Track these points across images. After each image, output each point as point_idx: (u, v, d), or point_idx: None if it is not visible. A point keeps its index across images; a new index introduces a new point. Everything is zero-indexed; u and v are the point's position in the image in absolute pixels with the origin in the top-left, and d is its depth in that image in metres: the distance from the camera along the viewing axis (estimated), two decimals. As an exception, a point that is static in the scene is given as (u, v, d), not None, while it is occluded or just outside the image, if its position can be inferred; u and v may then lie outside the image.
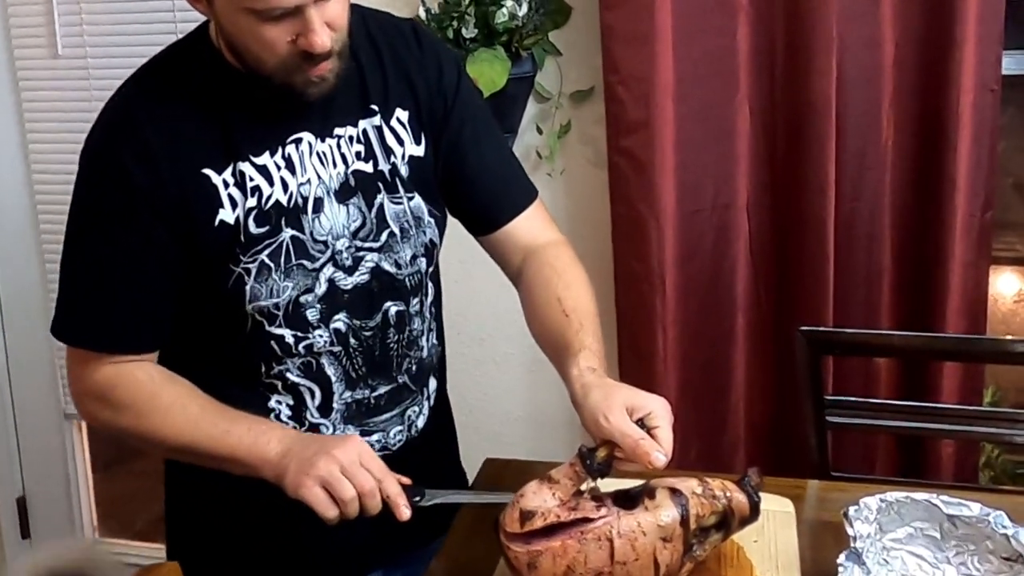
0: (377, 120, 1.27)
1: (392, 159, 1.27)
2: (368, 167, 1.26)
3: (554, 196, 2.07)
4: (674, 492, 1.08)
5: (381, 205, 1.26)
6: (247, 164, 1.20)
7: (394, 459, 1.28)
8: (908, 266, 1.89)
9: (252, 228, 1.20)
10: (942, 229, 1.83)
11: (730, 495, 1.11)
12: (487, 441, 2.17)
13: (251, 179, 1.20)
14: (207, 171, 1.19)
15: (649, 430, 1.08)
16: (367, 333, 1.27)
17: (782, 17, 1.84)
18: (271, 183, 1.21)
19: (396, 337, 1.29)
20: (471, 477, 1.44)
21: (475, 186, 1.34)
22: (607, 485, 1.11)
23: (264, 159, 1.21)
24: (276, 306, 1.21)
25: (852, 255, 1.88)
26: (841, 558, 1.07)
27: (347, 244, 1.24)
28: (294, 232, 1.21)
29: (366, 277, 1.25)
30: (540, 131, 2.02)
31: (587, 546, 1.04)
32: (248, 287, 1.20)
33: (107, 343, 1.22)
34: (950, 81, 1.78)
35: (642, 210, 1.88)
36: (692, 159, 1.89)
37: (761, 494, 1.14)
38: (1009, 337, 2.03)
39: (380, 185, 1.26)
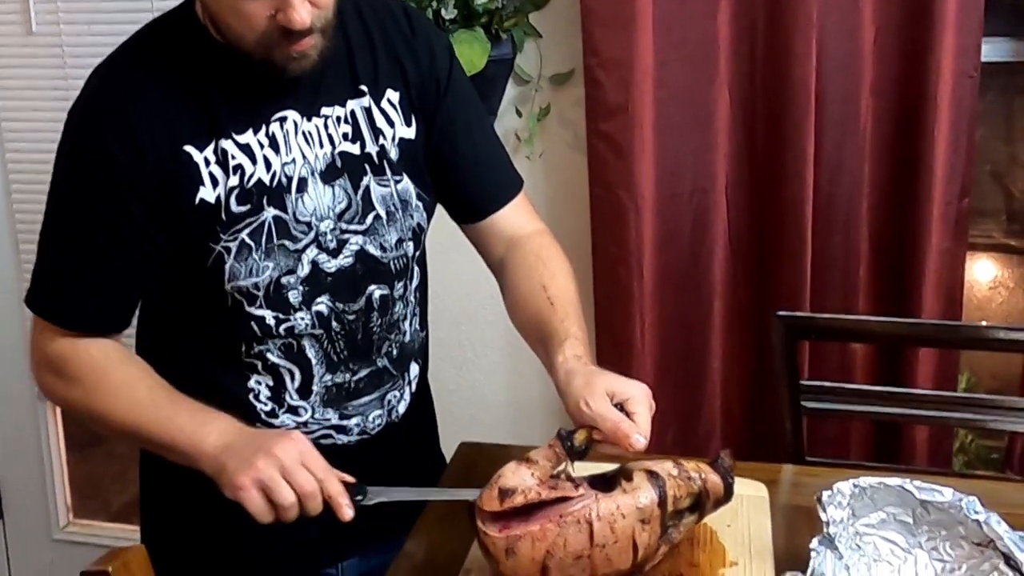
0: (366, 101, 1.26)
1: (381, 141, 1.26)
2: (355, 148, 1.24)
3: (533, 179, 2.06)
4: (651, 474, 1.09)
5: (367, 187, 1.25)
6: (229, 142, 1.18)
7: (373, 443, 1.30)
8: (885, 252, 1.90)
9: (233, 207, 1.19)
10: (919, 215, 1.84)
11: (705, 476, 1.12)
12: (463, 424, 2.16)
13: (233, 157, 1.18)
14: (188, 148, 1.18)
15: (629, 415, 1.10)
16: (350, 316, 1.26)
17: (763, 2, 1.83)
18: (254, 161, 1.19)
19: (379, 321, 1.28)
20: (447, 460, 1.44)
21: (465, 174, 1.34)
22: (582, 471, 1.11)
23: (247, 137, 1.19)
24: (256, 286, 1.20)
25: (830, 240, 1.89)
26: (814, 543, 1.08)
27: (331, 226, 1.22)
28: (277, 212, 1.20)
29: (350, 260, 1.24)
30: (519, 114, 2.01)
31: (566, 529, 1.03)
32: (228, 266, 1.19)
33: (70, 319, 1.22)
34: (929, 67, 1.78)
35: (620, 194, 1.88)
36: (671, 143, 1.89)
37: (735, 477, 1.15)
38: (985, 323, 2.05)
39: (367, 167, 1.25)
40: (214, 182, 1.18)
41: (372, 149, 1.25)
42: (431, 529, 1.26)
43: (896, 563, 1.12)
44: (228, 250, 1.19)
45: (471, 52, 1.88)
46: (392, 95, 1.27)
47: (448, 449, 1.47)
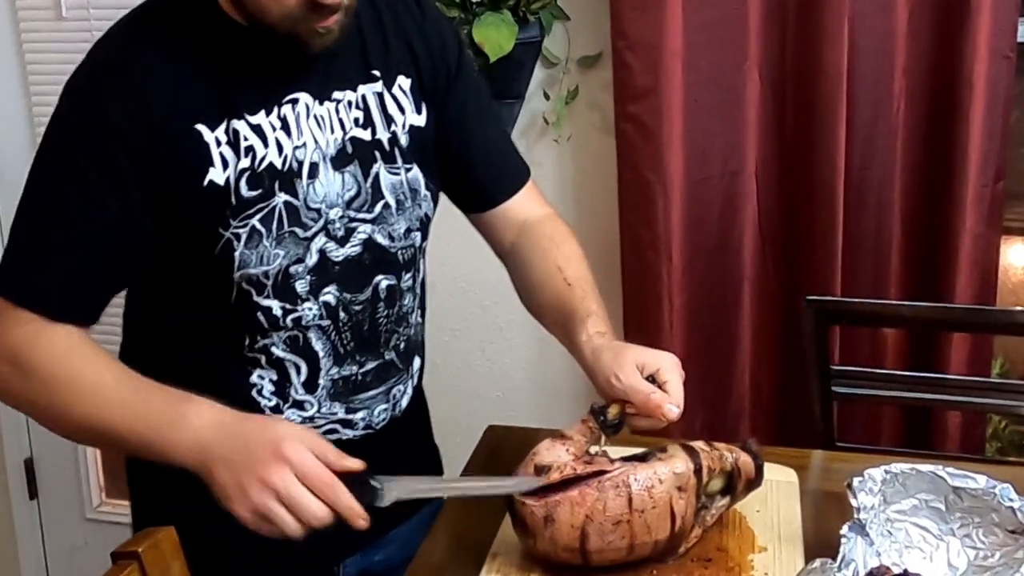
0: (379, 87, 1.22)
1: (392, 128, 1.23)
2: (366, 135, 1.21)
3: (561, 162, 2.05)
4: (685, 446, 1.12)
5: (377, 175, 1.21)
6: (242, 122, 1.14)
7: (376, 438, 1.28)
8: (918, 235, 1.88)
9: (244, 191, 1.14)
10: (953, 199, 1.81)
11: (736, 456, 1.14)
12: (491, 407, 2.18)
13: (245, 138, 1.14)
14: (200, 127, 1.12)
15: (660, 385, 1.11)
16: (356, 307, 1.22)
17: (794, -18, 1.81)
18: (265, 144, 1.15)
19: (386, 312, 1.25)
20: (474, 443, 1.44)
21: (476, 162, 1.33)
22: (615, 455, 1.12)
23: (259, 118, 1.15)
24: (265, 275, 1.16)
25: (861, 224, 1.86)
26: (844, 529, 1.07)
27: (340, 214, 1.19)
28: (288, 197, 1.16)
29: (358, 249, 1.20)
30: (547, 97, 2.00)
31: (605, 494, 1.05)
32: (237, 253, 1.14)
33: (38, 301, 1.11)
34: (964, 48, 1.75)
35: (649, 177, 1.87)
36: (700, 126, 1.87)
37: (764, 462, 1.15)
38: (1019, 308, 2.02)
39: (377, 154, 1.21)
40: (224, 163, 1.13)
41: (383, 136, 1.22)
42: (456, 513, 1.26)
43: (928, 550, 1.11)
44: (238, 236, 1.14)
45: (499, 35, 1.87)
46: (403, 81, 1.24)
47: (475, 432, 1.47)
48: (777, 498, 1.23)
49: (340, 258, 1.19)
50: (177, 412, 1.05)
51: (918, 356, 1.90)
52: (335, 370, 1.23)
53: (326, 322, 1.20)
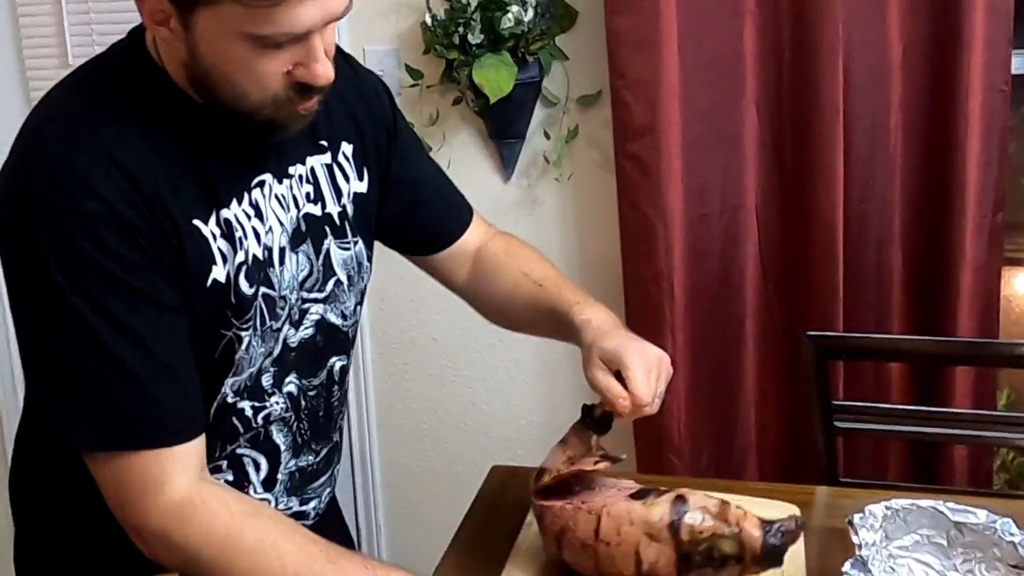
0: (327, 158, 1.14)
1: (342, 200, 1.15)
2: (317, 210, 1.12)
3: (562, 200, 2.07)
4: (679, 498, 1.09)
5: (328, 251, 1.13)
6: (227, 211, 1.03)
7: (323, 520, 1.24)
8: (919, 268, 1.88)
9: (243, 287, 1.03)
10: (953, 231, 1.82)
11: (742, 527, 1.07)
12: (497, 447, 2.18)
13: (237, 228, 1.03)
14: (196, 221, 1.00)
15: (624, 380, 1.11)
16: (311, 393, 1.15)
17: (788, 20, 1.83)
18: (245, 234, 1.04)
19: (338, 394, 1.20)
20: (478, 483, 1.43)
21: (424, 211, 1.29)
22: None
23: (238, 206, 1.04)
24: (249, 377, 1.07)
25: (862, 258, 1.87)
26: (847, 566, 1.06)
27: (296, 296, 1.10)
28: (266, 289, 1.06)
29: (311, 331, 1.12)
30: (547, 136, 2.02)
31: (578, 515, 1.09)
32: (237, 356, 1.04)
33: (167, 433, 0.98)
34: (959, 82, 1.77)
35: (650, 214, 1.88)
36: (699, 162, 1.88)
37: (787, 543, 1.08)
38: (1021, 341, 2.02)
39: (327, 229, 1.13)
40: (223, 259, 1.02)
41: (333, 209, 1.14)
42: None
43: (931, 586, 1.11)
44: (239, 339, 1.04)
45: (498, 76, 1.89)
46: (346, 147, 1.16)
47: (480, 472, 1.47)
48: (780, 535, 1.22)
49: (295, 343, 1.11)
50: (380, 570, 1.00)
51: (922, 389, 1.90)
52: (292, 462, 1.17)
53: (288, 414, 1.14)
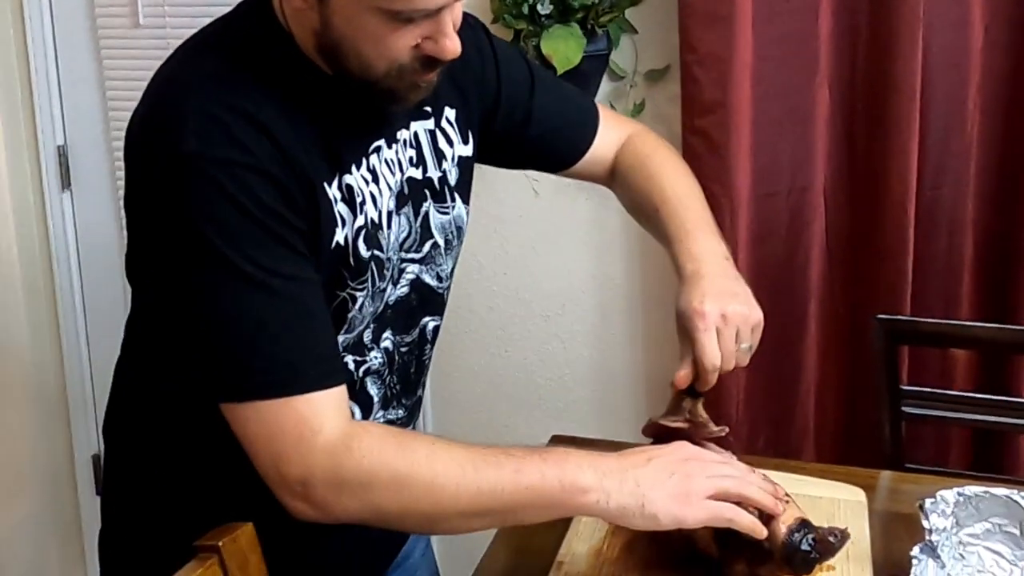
0: (430, 123, 1.16)
1: (443, 165, 1.17)
2: (418, 173, 1.14)
3: (626, 175, 2.05)
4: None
5: (427, 214, 1.15)
6: (349, 176, 1.05)
7: None
8: (991, 256, 1.84)
9: (361, 250, 1.05)
10: (1027, 219, 1.78)
11: (776, 520, 1.03)
12: (551, 418, 2.18)
13: (358, 193, 1.05)
14: (324, 182, 1.02)
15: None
16: (404, 349, 1.17)
17: (866, -2, 1.79)
18: (364, 199, 1.07)
19: (429, 352, 1.22)
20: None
21: (548, 139, 1.30)
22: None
23: (362, 170, 1.06)
24: (357, 334, 1.09)
25: (932, 244, 1.84)
26: (915, 551, 1.05)
27: (396, 256, 1.12)
28: (377, 252, 1.08)
29: (406, 290, 1.14)
30: (614, 109, 2.00)
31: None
32: (350, 315, 1.07)
33: (319, 377, 0.98)
34: (1041, 66, 1.72)
35: (716, 191, 1.85)
36: (768, 141, 1.86)
37: (821, 550, 1.04)
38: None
39: (427, 192, 1.15)
40: (342, 222, 1.04)
41: (434, 174, 1.16)
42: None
43: (1001, 575, 1.09)
44: (353, 298, 1.06)
45: (566, 47, 1.88)
46: (449, 112, 1.18)
47: (537, 441, 1.47)
48: (845, 517, 1.21)
49: (393, 300, 1.13)
50: (556, 456, 0.99)
51: (988, 378, 1.87)
52: (381, 414, 1.18)
53: (384, 368, 1.15)
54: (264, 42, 1.03)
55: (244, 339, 0.96)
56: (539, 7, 1.89)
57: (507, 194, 2.08)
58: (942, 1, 1.75)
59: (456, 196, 1.19)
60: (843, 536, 1.05)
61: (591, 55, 1.92)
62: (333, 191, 1.03)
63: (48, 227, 2.35)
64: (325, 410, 0.97)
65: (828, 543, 1.04)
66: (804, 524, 1.04)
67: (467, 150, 1.20)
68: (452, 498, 0.96)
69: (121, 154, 2.49)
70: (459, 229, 1.20)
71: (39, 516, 2.38)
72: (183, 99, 0.99)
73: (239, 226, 0.95)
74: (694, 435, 1.12)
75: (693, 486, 0.99)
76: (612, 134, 1.34)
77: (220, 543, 0.94)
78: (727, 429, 1.14)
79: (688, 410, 1.14)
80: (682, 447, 1.05)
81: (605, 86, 2.00)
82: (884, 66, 1.78)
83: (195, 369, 1.01)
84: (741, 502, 1.01)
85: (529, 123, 1.28)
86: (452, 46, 0.99)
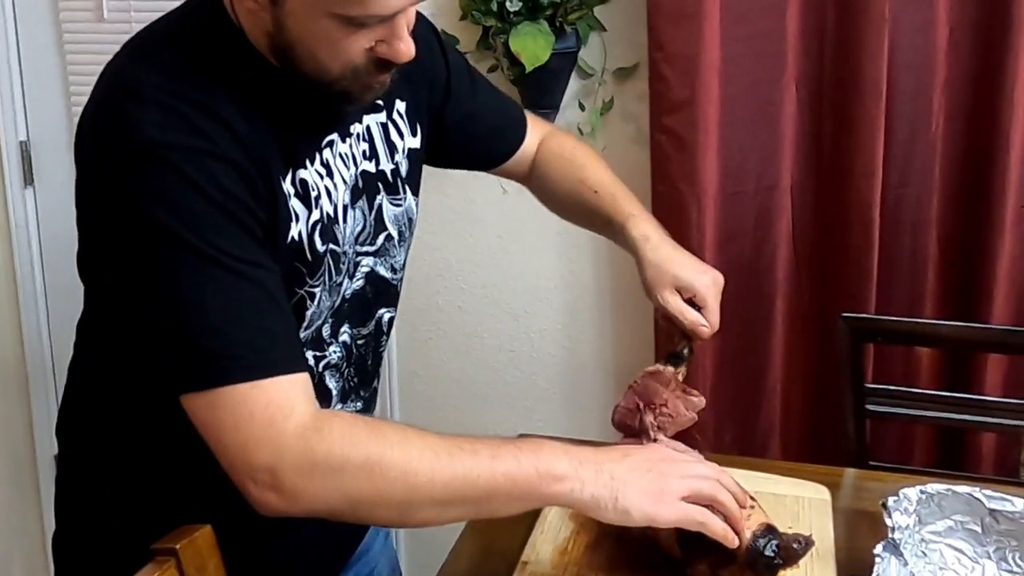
0: (382, 116, 1.17)
1: (396, 157, 1.18)
2: (371, 167, 1.15)
3: (595, 173, 2.05)
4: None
5: (380, 207, 1.16)
6: (304, 171, 1.05)
7: None
8: (955, 255, 1.86)
9: (318, 245, 1.05)
10: (991, 219, 1.80)
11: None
12: (520, 417, 2.17)
13: (313, 187, 1.05)
14: (279, 177, 1.02)
15: (698, 307, 1.22)
16: (360, 342, 1.17)
17: (834, -3, 1.80)
18: (320, 193, 1.07)
19: (384, 344, 1.23)
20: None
21: (484, 138, 1.35)
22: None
23: (314, 166, 1.06)
24: (316, 329, 1.09)
25: (897, 242, 1.85)
26: (878, 548, 1.06)
27: (352, 250, 1.12)
28: (332, 246, 1.08)
29: (361, 283, 1.15)
30: (582, 107, 2.00)
31: None
32: (309, 312, 1.07)
33: (287, 361, 0.96)
34: (1005, 67, 1.74)
35: (683, 189, 1.86)
36: (736, 139, 1.86)
37: (783, 559, 1.04)
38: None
39: (380, 185, 1.16)
40: (296, 217, 1.03)
41: (387, 167, 1.17)
42: (484, 520, 1.24)
43: (963, 572, 1.10)
44: (311, 295, 1.06)
45: (535, 45, 1.87)
46: (400, 105, 1.19)
47: (505, 441, 1.47)
48: (809, 515, 1.21)
49: (349, 294, 1.13)
50: (531, 445, 0.99)
51: (952, 376, 1.88)
52: (340, 407, 1.17)
53: (342, 362, 1.15)
54: (215, 37, 1.02)
55: (210, 323, 0.93)
56: (508, 4, 1.88)
57: (476, 192, 2.08)
58: (908, 3, 1.76)
59: (407, 188, 1.20)
60: (807, 543, 1.06)
61: (560, 52, 1.91)
62: (287, 186, 1.03)
63: (10, 224, 2.32)
64: (294, 394, 0.95)
65: (792, 550, 1.04)
66: (770, 530, 1.04)
67: (416, 142, 1.22)
68: (427, 484, 0.93)
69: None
70: (410, 221, 1.21)
71: (1, 517, 2.35)
72: (138, 91, 0.97)
73: (202, 212, 0.94)
74: (673, 419, 1.17)
75: (668, 485, 0.99)
76: (534, 133, 1.40)
77: (178, 546, 0.92)
78: (704, 401, 1.21)
79: (676, 383, 1.20)
80: (657, 448, 1.07)
81: (574, 84, 2.00)
82: (851, 66, 1.79)
83: (157, 361, 0.97)
84: (712, 505, 1.01)
85: (474, 120, 1.31)
86: (406, 49, 1.00)
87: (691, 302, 1.22)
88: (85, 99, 2.46)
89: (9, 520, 2.36)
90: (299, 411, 0.94)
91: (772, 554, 1.02)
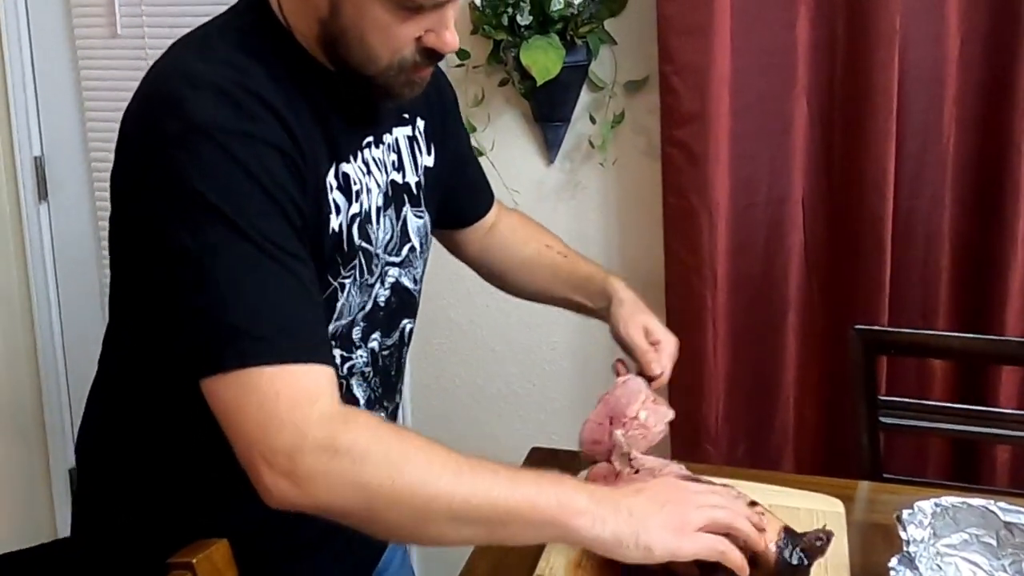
0: (409, 130, 1.21)
1: (418, 172, 1.22)
2: (399, 177, 1.18)
3: (606, 186, 2.06)
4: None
5: (405, 218, 1.19)
6: (346, 165, 1.08)
7: None
8: (967, 267, 1.85)
9: (355, 238, 1.08)
10: (1003, 231, 1.79)
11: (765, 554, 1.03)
12: (531, 430, 2.17)
13: (355, 181, 1.09)
14: (323, 170, 1.04)
15: (655, 348, 1.31)
16: (385, 352, 1.19)
17: (843, 10, 1.80)
18: (361, 188, 1.10)
19: (405, 355, 1.25)
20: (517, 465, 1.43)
21: (465, 190, 1.39)
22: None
23: (355, 162, 1.10)
24: (346, 325, 1.11)
25: (909, 254, 1.85)
26: (893, 562, 1.05)
27: (381, 253, 1.15)
28: (366, 244, 1.11)
29: (387, 292, 1.17)
30: (593, 120, 2.01)
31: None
32: (340, 304, 1.09)
33: (318, 350, 0.95)
34: (1017, 77, 1.74)
35: (694, 202, 1.86)
36: (747, 152, 1.87)
37: (806, 551, 1.04)
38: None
39: (406, 197, 1.19)
40: (337, 209, 1.06)
41: (412, 179, 1.20)
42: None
43: (978, 585, 1.09)
44: (343, 287, 1.08)
45: (546, 59, 1.88)
46: (420, 123, 1.23)
47: (517, 454, 1.47)
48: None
49: (382, 302, 1.16)
50: (549, 476, 0.97)
51: (965, 388, 1.88)
52: None
53: (368, 368, 1.16)
54: (263, 34, 1.04)
55: (245, 303, 0.92)
56: (519, 18, 1.89)
57: (487, 205, 2.08)
58: (919, 15, 1.77)
59: (427, 202, 1.23)
60: (828, 536, 1.06)
61: (570, 66, 1.92)
62: (331, 179, 1.05)
63: (24, 238, 2.33)
64: (323, 384, 0.93)
65: (815, 547, 1.04)
66: (789, 535, 1.04)
67: (430, 161, 1.25)
68: (447, 495, 0.91)
69: (100, 164, 2.49)
70: (427, 235, 1.25)
71: (15, 530, 2.36)
72: (192, 78, 0.97)
73: (249, 196, 0.94)
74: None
75: (687, 517, 0.98)
76: (495, 209, 1.46)
77: (194, 560, 0.93)
78: (674, 413, 1.26)
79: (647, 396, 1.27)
80: (667, 480, 1.06)
81: (584, 97, 2.01)
82: (862, 78, 1.79)
83: (185, 345, 0.95)
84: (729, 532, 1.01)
85: (467, 164, 1.39)
86: (452, 39, 1.03)
87: None
88: (99, 114, 2.48)
89: (24, 532, 2.37)
90: (325, 400, 0.92)
91: (799, 561, 1.03)
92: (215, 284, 0.92)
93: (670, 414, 1.24)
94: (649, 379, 1.29)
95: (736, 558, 0.99)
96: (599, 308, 1.37)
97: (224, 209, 0.92)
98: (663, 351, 1.30)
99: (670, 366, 1.31)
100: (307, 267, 0.98)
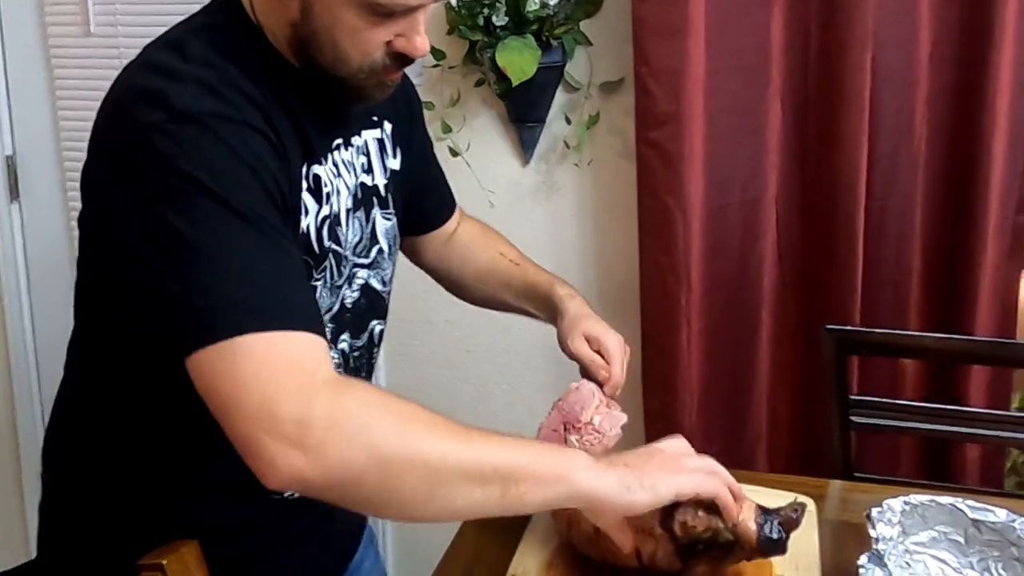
0: (378, 132, 1.22)
1: (386, 174, 1.23)
2: (368, 180, 1.19)
3: (581, 187, 2.06)
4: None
5: (374, 220, 1.20)
6: (319, 166, 1.08)
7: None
8: (938, 267, 1.87)
9: (325, 238, 1.09)
10: (974, 230, 1.81)
11: (736, 525, 1.05)
12: (510, 430, 2.17)
13: (326, 183, 1.09)
14: (296, 168, 1.04)
15: (603, 355, 1.31)
16: (356, 353, 1.19)
17: (817, 12, 1.81)
18: (331, 190, 1.11)
19: (376, 356, 1.25)
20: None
21: (427, 194, 1.40)
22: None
23: (325, 164, 1.10)
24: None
25: (881, 254, 1.86)
26: (862, 560, 1.06)
27: (349, 254, 1.16)
28: (335, 246, 1.11)
29: (356, 294, 1.17)
30: (568, 121, 2.01)
31: (581, 513, 1.08)
32: None
33: (317, 323, 0.93)
34: (987, 80, 1.75)
35: (669, 203, 1.87)
36: (721, 153, 1.87)
37: (785, 531, 1.06)
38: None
39: (375, 199, 1.20)
40: (306, 210, 1.06)
41: (380, 182, 1.21)
42: (473, 533, 1.26)
43: (947, 583, 1.11)
44: (315, 289, 1.08)
45: (521, 59, 1.88)
46: (387, 126, 1.24)
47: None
48: (795, 527, 1.22)
49: (350, 304, 1.16)
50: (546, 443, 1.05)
51: (936, 387, 1.89)
52: None
53: (339, 370, 1.15)
54: (237, 33, 1.05)
55: (238, 272, 0.89)
56: (494, 19, 1.89)
57: (463, 206, 2.07)
58: (891, 18, 1.78)
59: (393, 204, 1.25)
60: (802, 508, 1.08)
61: (546, 67, 1.93)
62: (303, 179, 1.06)
63: (-4, 238, 2.31)
64: (321, 353, 0.90)
65: (791, 520, 1.07)
66: (765, 512, 1.07)
67: (396, 164, 1.26)
68: (458, 453, 0.88)
69: (73, 164, 2.47)
70: (395, 236, 1.26)
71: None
72: (173, 72, 0.97)
73: (234, 172, 0.93)
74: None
75: (678, 462, 1.02)
76: (455, 216, 1.48)
77: (164, 561, 0.92)
78: (626, 417, 1.26)
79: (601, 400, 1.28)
80: (650, 446, 1.07)
81: (560, 97, 2.01)
82: (834, 80, 1.81)
83: (173, 322, 0.90)
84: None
85: (430, 170, 1.41)
86: (422, 44, 1.04)
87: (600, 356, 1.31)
88: (72, 113, 2.47)
89: (-5, 536, 2.35)
90: (325, 368, 0.89)
91: (779, 535, 1.05)
92: (206, 258, 0.89)
93: (623, 418, 1.25)
94: (601, 384, 1.29)
95: (727, 497, 1.02)
96: (547, 317, 1.38)
97: (211, 186, 0.91)
98: (609, 354, 1.30)
99: (619, 366, 1.30)
100: (294, 247, 0.98)
